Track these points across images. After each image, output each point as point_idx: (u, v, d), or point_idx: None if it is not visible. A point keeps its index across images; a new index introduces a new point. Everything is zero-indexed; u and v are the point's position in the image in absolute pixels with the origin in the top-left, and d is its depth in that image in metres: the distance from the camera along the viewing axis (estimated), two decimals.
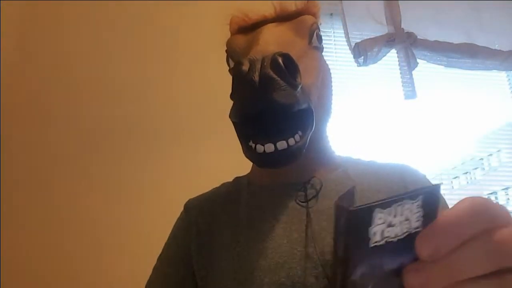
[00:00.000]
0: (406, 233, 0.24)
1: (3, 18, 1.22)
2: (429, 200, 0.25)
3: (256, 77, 0.40)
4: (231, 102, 0.44)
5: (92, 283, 1.09)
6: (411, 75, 1.51)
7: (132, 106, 1.28)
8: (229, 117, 0.45)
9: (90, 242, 1.12)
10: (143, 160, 1.23)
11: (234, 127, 0.47)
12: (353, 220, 0.24)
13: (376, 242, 0.24)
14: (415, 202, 0.24)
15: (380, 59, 1.51)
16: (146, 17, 1.38)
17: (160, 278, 0.56)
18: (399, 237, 0.24)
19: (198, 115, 1.30)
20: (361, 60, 1.48)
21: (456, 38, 1.59)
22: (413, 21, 1.57)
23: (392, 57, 1.54)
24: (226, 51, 0.55)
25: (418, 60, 1.53)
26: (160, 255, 0.59)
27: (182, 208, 0.61)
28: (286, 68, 0.41)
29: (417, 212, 0.24)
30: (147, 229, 1.11)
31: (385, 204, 0.24)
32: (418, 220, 0.24)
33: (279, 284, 0.45)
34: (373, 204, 0.24)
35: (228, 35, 0.57)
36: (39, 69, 1.28)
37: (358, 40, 1.49)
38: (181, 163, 1.24)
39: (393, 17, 1.56)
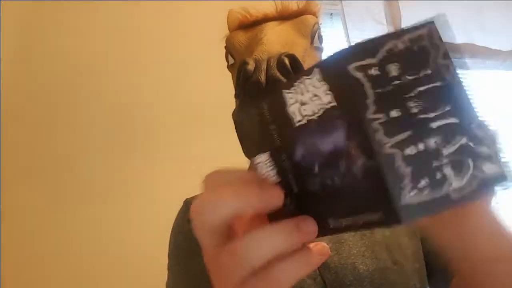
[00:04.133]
0: (322, 110, 0.24)
1: (3, 18, 1.22)
2: (330, 73, 0.24)
3: (263, 78, 0.39)
4: (228, 100, 0.44)
5: (91, 284, 1.09)
6: None
7: (133, 106, 1.28)
8: (232, 116, 0.44)
9: (90, 242, 1.12)
10: (143, 159, 1.23)
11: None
12: (270, 107, 0.27)
13: (299, 121, 0.25)
14: (312, 77, 0.24)
15: None
16: (145, 17, 1.38)
17: (181, 272, 0.55)
18: (317, 114, 0.24)
19: (198, 114, 1.30)
20: None
21: (456, 38, 1.59)
22: (413, 21, 1.57)
23: None
24: (225, 47, 0.55)
25: None
26: (172, 252, 0.58)
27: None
28: (292, 69, 0.40)
29: (321, 87, 0.24)
30: (146, 228, 1.11)
31: (287, 84, 0.26)
32: (327, 94, 0.23)
33: None
34: (277, 87, 0.26)
35: (225, 31, 0.56)
36: (39, 69, 1.28)
37: (358, 40, 1.48)
38: (182, 164, 1.24)
39: (393, 17, 1.56)
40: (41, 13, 1.33)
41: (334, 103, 0.23)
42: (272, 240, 0.24)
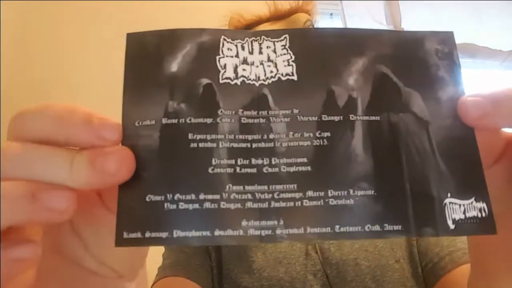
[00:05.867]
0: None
1: (3, 18, 1.22)
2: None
3: None
4: None
5: None
6: None
7: None
8: None
9: None
10: None
11: None
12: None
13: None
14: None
15: None
16: (145, 17, 1.38)
17: (181, 255, 0.53)
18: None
19: None
20: None
21: (456, 38, 1.59)
22: (413, 21, 1.57)
23: None
24: None
25: None
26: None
27: None
28: None
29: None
30: None
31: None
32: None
33: (277, 279, 0.46)
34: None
35: None
36: (39, 69, 1.28)
37: None
38: None
39: (393, 17, 1.56)
40: (41, 13, 1.33)
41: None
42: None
